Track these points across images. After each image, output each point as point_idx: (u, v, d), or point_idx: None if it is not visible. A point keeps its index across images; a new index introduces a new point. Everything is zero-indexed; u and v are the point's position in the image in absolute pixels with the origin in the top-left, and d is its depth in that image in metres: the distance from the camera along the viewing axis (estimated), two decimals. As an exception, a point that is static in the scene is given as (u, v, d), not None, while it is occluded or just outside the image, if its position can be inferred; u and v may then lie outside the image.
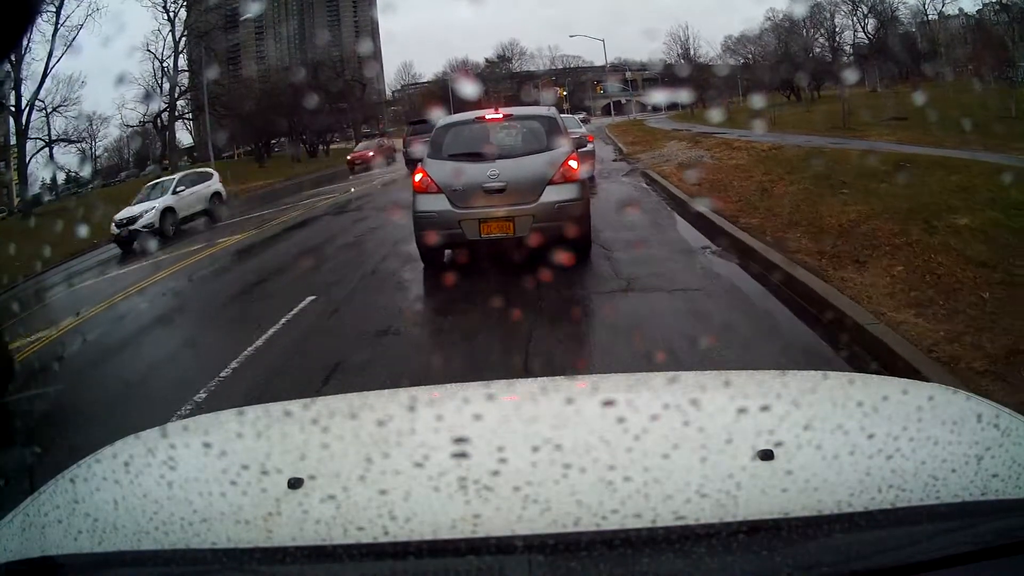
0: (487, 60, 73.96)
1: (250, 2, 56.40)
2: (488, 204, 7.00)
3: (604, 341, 5.14)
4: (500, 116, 7.70)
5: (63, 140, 43.19)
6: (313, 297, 7.22)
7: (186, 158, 53.25)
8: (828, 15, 57.82)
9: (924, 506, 0.97)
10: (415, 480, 1.11)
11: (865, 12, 56.22)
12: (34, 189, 41.26)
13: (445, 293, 6.84)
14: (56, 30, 36.63)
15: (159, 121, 46.68)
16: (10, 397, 5.15)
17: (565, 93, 68.80)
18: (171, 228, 16.98)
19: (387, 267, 8.40)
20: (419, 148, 10.88)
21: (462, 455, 1.15)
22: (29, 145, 38.43)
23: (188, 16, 46.21)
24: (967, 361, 3.76)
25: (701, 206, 9.24)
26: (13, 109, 35.95)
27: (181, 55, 46.34)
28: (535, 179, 7.05)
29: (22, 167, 36.61)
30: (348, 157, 35.85)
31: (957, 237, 6.09)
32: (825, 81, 52.55)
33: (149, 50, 46.87)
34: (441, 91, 56.50)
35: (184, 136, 55.70)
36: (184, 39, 46.12)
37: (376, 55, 74.06)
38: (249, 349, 5.75)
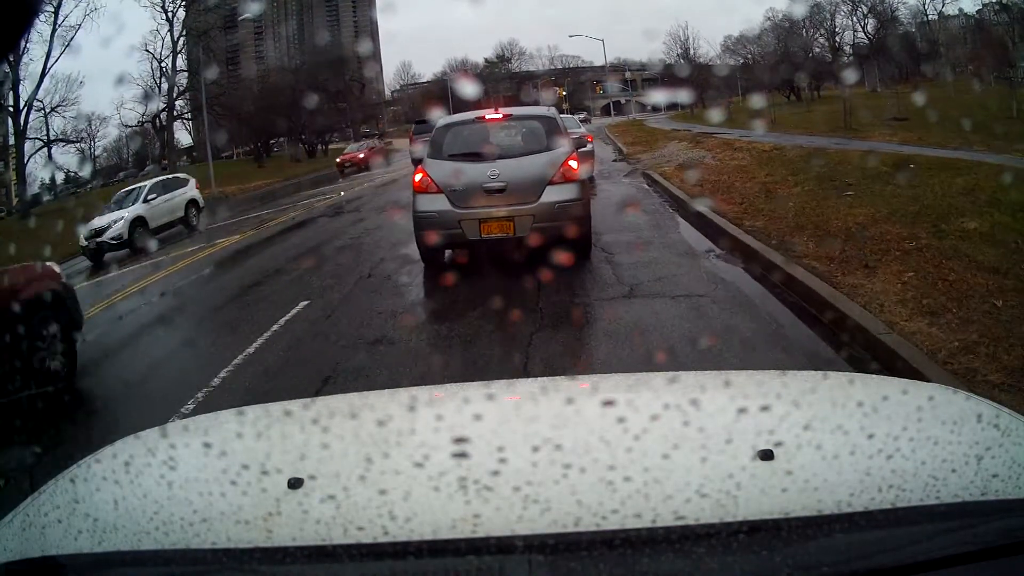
0: (486, 60, 74.15)
1: (249, 2, 56.35)
2: (488, 204, 7.01)
3: (607, 353, 4.91)
4: (500, 116, 7.70)
5: (61, 140, 43.25)
6: (307, 302, 7.06)
7: (185, 158, 53.28)
8: (828, 15, 57.93)
9: (924, 506, 0.97)
10: (415, 480, 1.11)
11: (865, 12, 56.33)
12: (33, 189, 41.29)
13: (442, 298, 6.75)
14: (54, 30, 36.71)
15: (158, 121, 46.70)
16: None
17: (564, 93, 68.81)
18: (142, 239, 15.56)
19: (383, 270, 8.25)
20: (424, 148, 10.86)
21: (462, 455, 1.15)
22: (28, 145, 38.46)
23: (186, 16, 46.25)
24: (984, 373, 3.64)
25: (703, 208, 9.13)
26: (11, 109, 35.94)
27: (179, 55, 46.41)
28: (535, 179, 7.05)
29: (20, 167, 36.60)
30: (337, 160, 35.16)
31: (967, 241, 6.00)
32: (825, 81, 52.61)
33: (147, 50, 46.88)
34: (440, 91, 56.51)
35: (184, 136, 55.78)
36: (182, 39, 46.18)
37: (375, 55, 74.17)
38: (240, 358, 5.54)
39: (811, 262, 6.01)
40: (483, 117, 7.72)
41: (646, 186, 13.75)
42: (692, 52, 62.21)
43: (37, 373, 5.49)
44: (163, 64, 45.97)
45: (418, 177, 7.36)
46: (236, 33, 63.81)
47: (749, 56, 60.74)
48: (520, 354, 4.91)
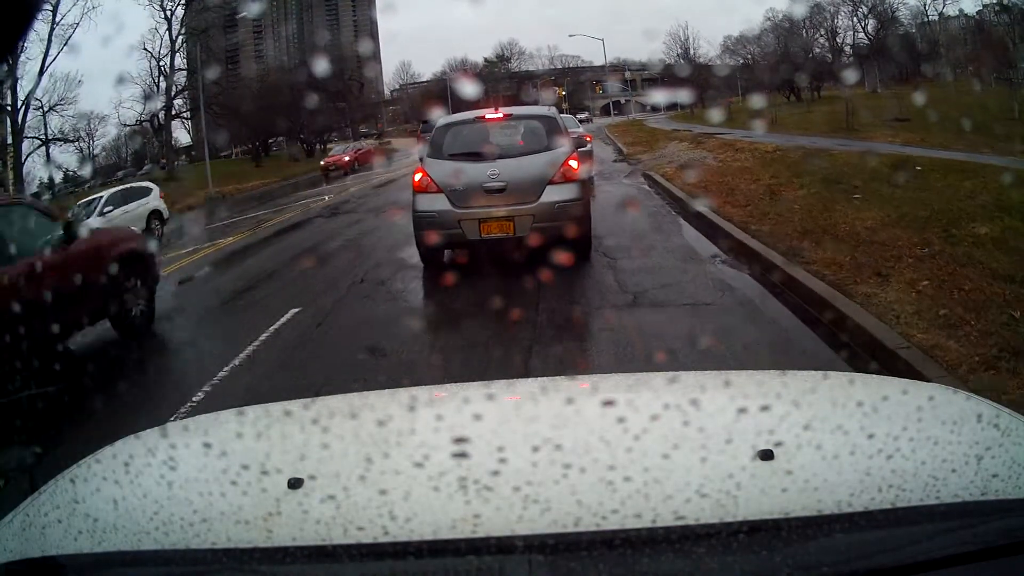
0: (486, 60, 74.10)
1: (249, 2, 56.34)
2: (488, 204, 7.01)
3: (611, 370, 4.56)
4: (500, 116, 7.70)
5: (60, 139, 43.16)
6: (297, 309, 6.72)
7: (184, 157, 53.28)
8: (828, 16, 57.95)
9: (924, 506, 0.97)
10: (415, 480, 1.11)
11: (865, 13, 56.35)
12: (31, 188, 41.19)
13: (438, 307, 6.60)
14: (52, 28, 36.62)
15: (156, 120, 46.67)
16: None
17: (564, 93, 68.83)
18: None
19: (377, 275, 7.97)
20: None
21: (462, 455, 1.15)
22: (26, 144, 38.39)
23: (185, 15, 46.24)
24: (1006, 391, 3.54)
25: (707, 211, 9.00)
26: (9, 108, 35.91)
27: (178, 54, 46.40)
28: (535, 179, 7.05)
29: (18, 166, 36.56)
30: (322, 163, 33.24)
31: (980, 248, 5.89)
32: (825, 82, 52.62)
33: (146, 49, 46.80)
34: (440, 91, 56.48)
35: (183, 135, 55.78)
36: (181, 38, 46.17)
37: (375, 55, 74.16)
38: (224, 371, 5.21)
39: (821, 269, 5.83)
40: (483, 117, 7.72)
41: (647, 187, 13.67)
42: (692, 52, 62.26)
43: (126, 317, 6.71)
44: (161, 63, 45.99)
45: (418, 177, 7.36)
46: (236, 32, 63.80)
47: (749, 56, 60.78)
48: (519, 366, 4.70)
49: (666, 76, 60.32)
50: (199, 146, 42.30)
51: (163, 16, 45.68)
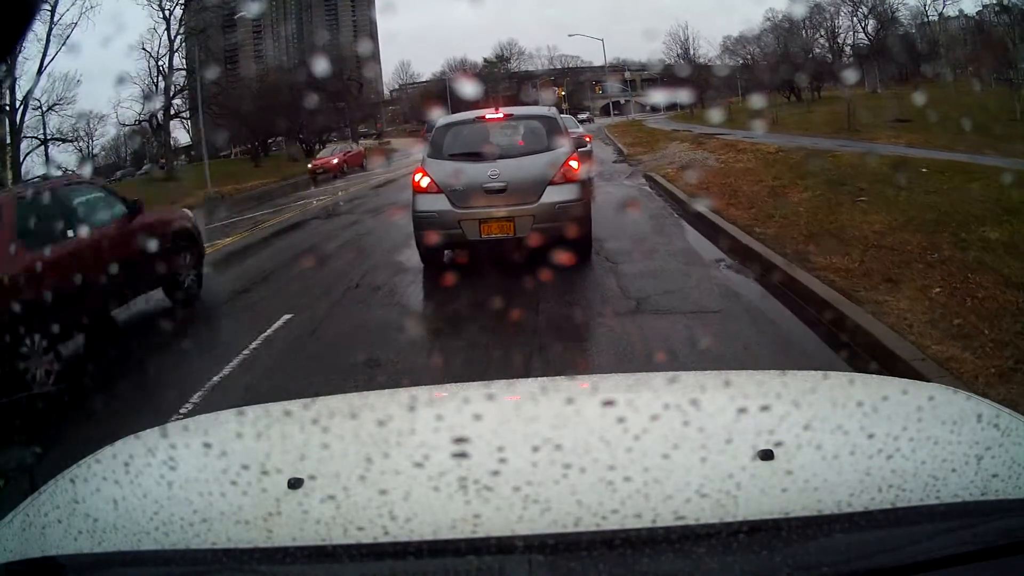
0: (485, 60, 74.13)
1: (248, 1, 56.27)
2: (488, 204, 7.01)
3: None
4: (500, 116, 7.70)
5: (58, 139, 43.08)
6: (290, 315, 6.50)
7: (183, 157, 53.24)
8: (828, 16, 57.98)
9: (924, 506, 0.97)
10: (415, 480, 1.11)
11: (865, 13, 56.37)
12: (31, 188, 40.97)
13: (435, 313, 6.47)
14: (51, 28, 36.52)
15: (155, 120, 46.62)
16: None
17: (564, 93, 68.85)
18: None
19: (373, 280, 7.77)
20: None
21: (462, 455, 1.15)
22: (24, 144, 38.32)
23: (184, 14, 46.20)
24: None
25: (710, 213, 8.90)
26: (8, 108, 35.86)
27: (177, 54, 46.36)
28: (536, 179, 7.05)
29: (16, 166, 36.49)
30: (308, 165, 31.73)
31: (990, 253, 5.77)
32: (825, 82, 52.63)
33: (145, 48, 46.72)
34: (439, 91, 56.48)
35: (182, 135, 55.73)
36: (179, 37, 46.13)
37: (375, 55, 74.14)
38: (208, 383, 4.99)
39: (830, 275, 5.69)
40: (483, 117, 7.72)
41: (648, 189, 13.59)
42: (692, 52, 62.26)
43: (179, 286, 7.64)
44: (160, 63, 45.93)
45: (418, 177, 7.36)
46: (235, 32, 63.76)
47: (749, 56, 60.79)
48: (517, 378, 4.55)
49: (666, 76, 60.32)
50: (198, 146, 42.25)
51: (162, 16, 45.68)
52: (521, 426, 1.37)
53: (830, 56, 57.53)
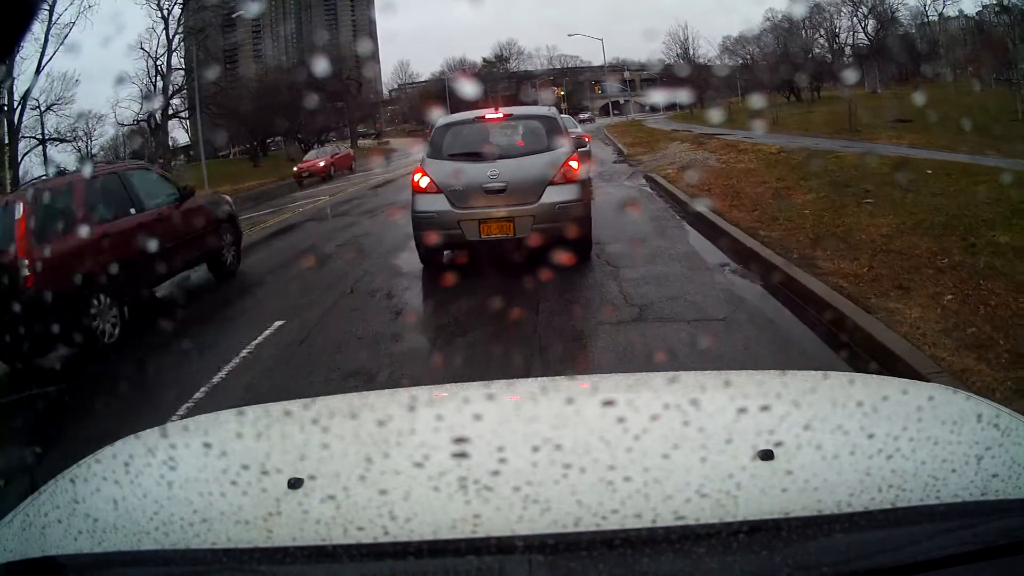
0: (485, 60, 74.19)
1: (247, 1, 56.22)
2: (488, 204, 7.00)
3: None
4: (500, 116, 7.69)
5: (57, 139, 42.99)
6: (281, 322, 6.39)
7: (182, 156, 53.23)
8: (828, 16, 58.01)
9: (924, 506, 0.97)
10: (415, 480, 1.11)
11: (865, 13, 56.40)
12: (30, 188, 40.89)
13: (430, 320, 6.31)
14: (49, 28, 36.39)
15: (153, 120, 46.56)
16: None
17: (563, 93, 68.87)
18: None
19: (368, 285, 7.64)
20: None
21: (462, 455, 1.15)
22: (22, 144, 38.27)
23: (182, 14, 46.16)
24: None
25: (713, 215, 8.79)
26: (5, 108, 35.79)
27: (175, 53, 46.30)
28: (536, 179, 7.04)
29: (15, 166, 36.44)
30: (294, 168, 30.43)
31: (1001, 258, 5.66)
32: (825, 82, 52.65)
33: (143, 48, 46.65)
34: (438, 91, 56.46)
35: (181, 135, 55.69)
36: (178, 37, 46.09)
37: (374, 55, 74.13)
38: (197, 394, 4.88)
39: (839, 280, 5.55)
40: (483, 117, 7.71)
41: (649, 189, 13.48)
42: (691, 52, 62.29)
43: (221, 265, 8.84)
44: (158, 63, 45.87)
45: (417, 177, 7.35)
46: (234, 32, 63.78)
47: (749, 56, 60.82)
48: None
49: (665, 76, 60.39)
50: (197, 146, 42.21)
51: (160, 15, 45.61)
52: (521, 426, 1.37)
53: (830, 56, 57.55)
